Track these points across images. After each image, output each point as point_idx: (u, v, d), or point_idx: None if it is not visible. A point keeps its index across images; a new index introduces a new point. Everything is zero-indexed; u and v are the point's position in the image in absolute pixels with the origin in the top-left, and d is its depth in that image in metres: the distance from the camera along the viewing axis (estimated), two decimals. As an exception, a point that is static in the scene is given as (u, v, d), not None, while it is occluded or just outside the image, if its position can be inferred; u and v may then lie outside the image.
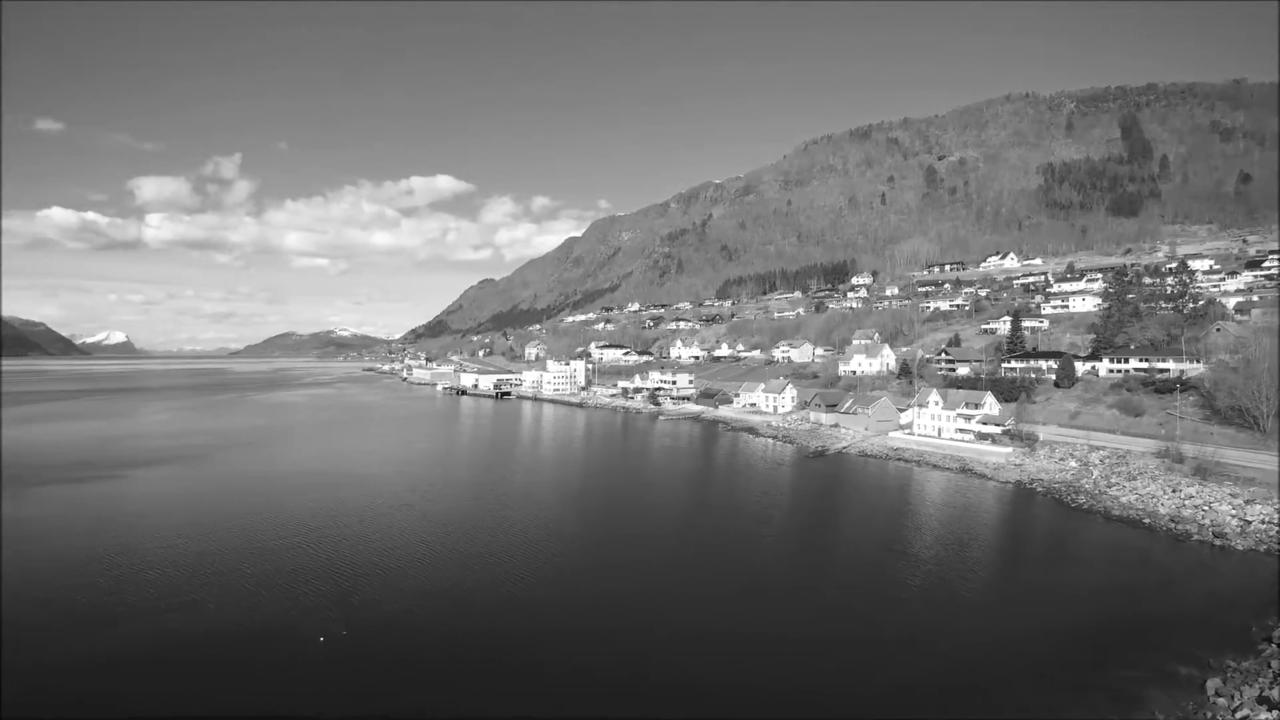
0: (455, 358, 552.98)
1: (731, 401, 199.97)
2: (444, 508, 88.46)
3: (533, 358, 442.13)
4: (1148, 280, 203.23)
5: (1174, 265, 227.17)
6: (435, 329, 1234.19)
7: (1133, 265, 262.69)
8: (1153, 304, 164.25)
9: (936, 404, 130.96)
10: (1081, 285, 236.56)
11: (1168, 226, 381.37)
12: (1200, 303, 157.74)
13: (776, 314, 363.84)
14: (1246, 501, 78.01)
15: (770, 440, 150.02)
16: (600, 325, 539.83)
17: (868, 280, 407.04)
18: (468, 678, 43.37)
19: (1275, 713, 36.14)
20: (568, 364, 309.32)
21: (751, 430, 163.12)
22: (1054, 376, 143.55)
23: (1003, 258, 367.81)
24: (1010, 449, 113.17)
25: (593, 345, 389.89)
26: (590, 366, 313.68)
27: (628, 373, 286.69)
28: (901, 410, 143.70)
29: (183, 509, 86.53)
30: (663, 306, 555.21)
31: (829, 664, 45.48)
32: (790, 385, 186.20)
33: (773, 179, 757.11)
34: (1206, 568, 64.42)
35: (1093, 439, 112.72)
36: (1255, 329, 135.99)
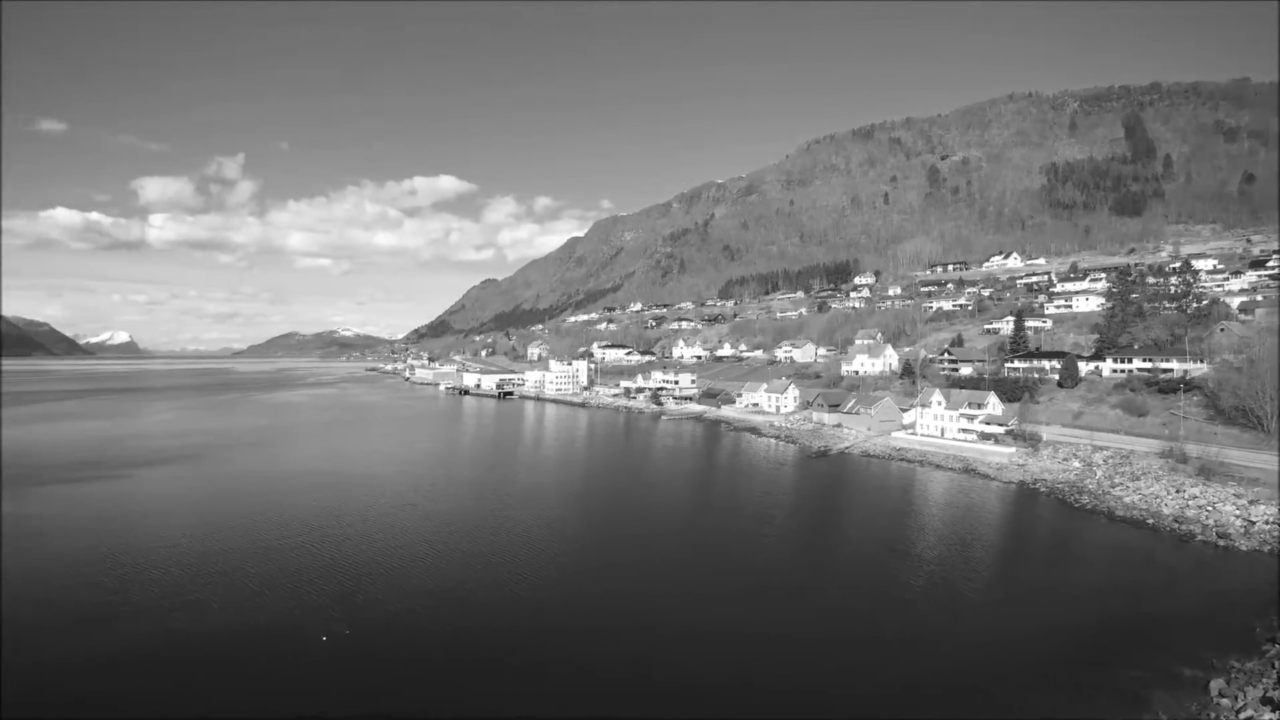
0: (458, 358, 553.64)
1: (734, 401, 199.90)
2: (447, 507, 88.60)
3: (535, 358, 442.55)
4: (1151, 280, 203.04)
5: (1177, 265, 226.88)
6: (438, 329, 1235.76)
7: (1136, 265, 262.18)
8: (1156, 304, 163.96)
9: (939, 404, 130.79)
10: (1085, 285, 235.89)
11: (1171, 226, 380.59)
12: (1204, 303, 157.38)
13: (779, 314, 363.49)
14: (1250, 502, 77.84)
15: (773, 440, 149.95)
16: (603, 325, 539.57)
17: (870, 280, 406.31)
18: (471, 677, 43.44)
19: (1279, 714, 36.06)
20: (570, 364, 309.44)
21: (754, 430, 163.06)
22: (1057, 376, 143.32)
23: (1006, 257, 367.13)
24: (1013, 449, 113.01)
25: (595, 345, 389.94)
26: (593, 366, 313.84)
27: (630, 373, 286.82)
28: (904, 410, 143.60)
29: (186, 508, 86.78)
30: (665, 306, 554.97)
31: (832, 664, 45.47)
32: (793, 385, 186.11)
33: (775, 179, 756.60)
34: (1210, 568, 64.28)
35: (1096, 439, 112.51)
36: (1259, 329, 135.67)
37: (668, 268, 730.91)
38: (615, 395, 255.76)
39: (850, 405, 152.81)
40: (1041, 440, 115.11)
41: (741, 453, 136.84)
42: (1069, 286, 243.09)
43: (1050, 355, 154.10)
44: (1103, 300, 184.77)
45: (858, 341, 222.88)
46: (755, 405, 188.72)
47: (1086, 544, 73.95)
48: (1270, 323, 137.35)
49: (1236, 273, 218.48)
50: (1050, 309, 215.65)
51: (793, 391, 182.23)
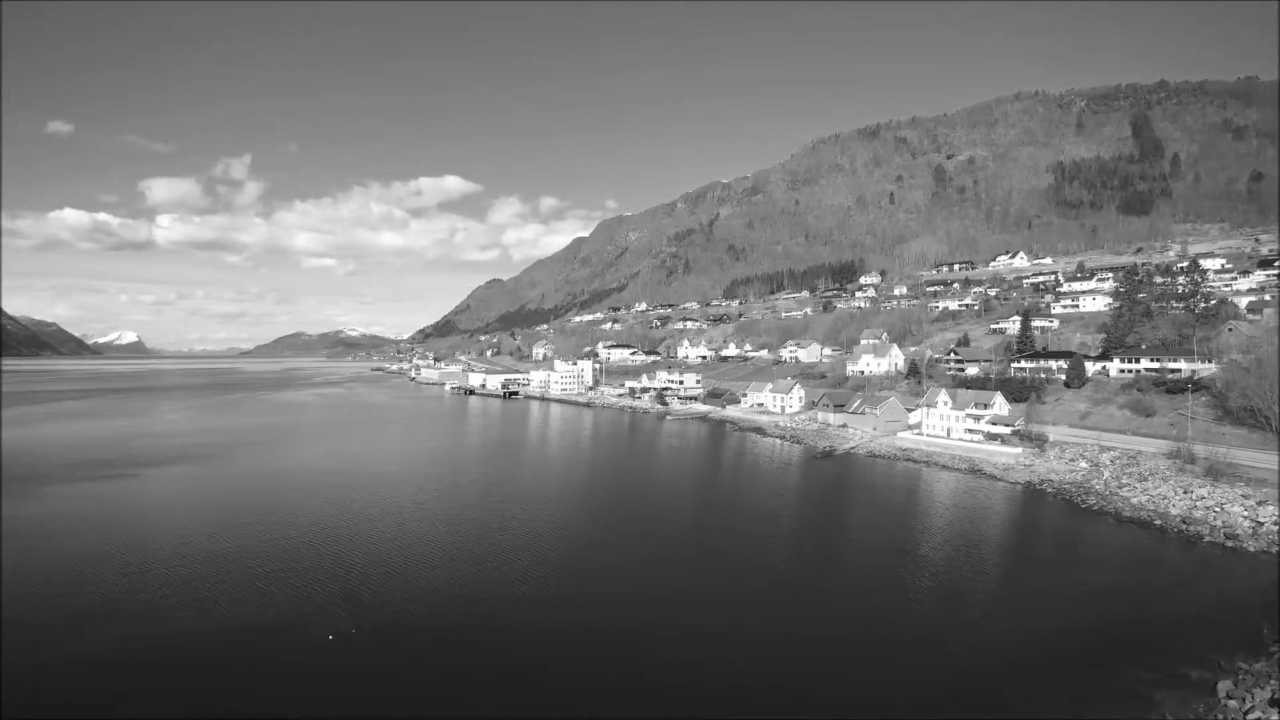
0: (463, 357, 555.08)
1: (739, 401, 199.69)
2: (452, 507, 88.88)
3: (540, 357, 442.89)
4: (1159, 279, 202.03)
5: (1185, 264, 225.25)
6: (443, 329, 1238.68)
7: (1144, 264, 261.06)
8: (1164, 303, 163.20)
9: (945, 404, 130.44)
10: (1092, 285, 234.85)
11: (1179, 225, 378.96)
12: (1212, 302, 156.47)
13: (784, 314, 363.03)
14: (1259, 503, 77.37)
15: (778, 440, 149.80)
16: (607, 325, 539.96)
17: (876, 280, 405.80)
18: (475, 677, 43.63)
19: (1288, 715, 35.92)
20: (575, 364, 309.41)
21: (759, 430, 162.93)
22: (1064, 376, 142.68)
23: (1012, 257, 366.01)
24: (1020, 449, 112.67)
25: (600, 345, 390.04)
26: (597, 366, 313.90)
27: (635, 372, 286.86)
28: (910, 410, 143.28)
29: (194, 507, 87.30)
30: (670, 306, 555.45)
31: (838, 665, 45.49)
32: (798, 385, 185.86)
33: (780, 178, 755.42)
34: (1218, 569, 63.99)
35: (1103, 439, 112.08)
36: (1268, 328, 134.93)
37: (673, 267, 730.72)
38: (620, 395, 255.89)
39: (856, 405, 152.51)
40: (1048, 441, 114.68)
41: (746, 453, 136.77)
42: (1076, 286, 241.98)
43: (1057, 355, 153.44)
44: (1110, 300, 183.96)
45: (863, 341, 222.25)
46: (760, 405, 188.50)
47: (1093, 545, 73.69)
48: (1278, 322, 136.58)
49: (1245, 272, 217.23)
50: (1057, 309, 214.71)
51: (798, 391, 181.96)
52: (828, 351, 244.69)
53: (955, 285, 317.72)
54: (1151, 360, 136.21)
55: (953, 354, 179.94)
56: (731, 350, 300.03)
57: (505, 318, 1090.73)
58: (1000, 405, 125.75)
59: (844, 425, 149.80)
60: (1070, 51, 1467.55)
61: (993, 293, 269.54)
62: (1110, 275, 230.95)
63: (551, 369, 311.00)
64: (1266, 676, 41.07)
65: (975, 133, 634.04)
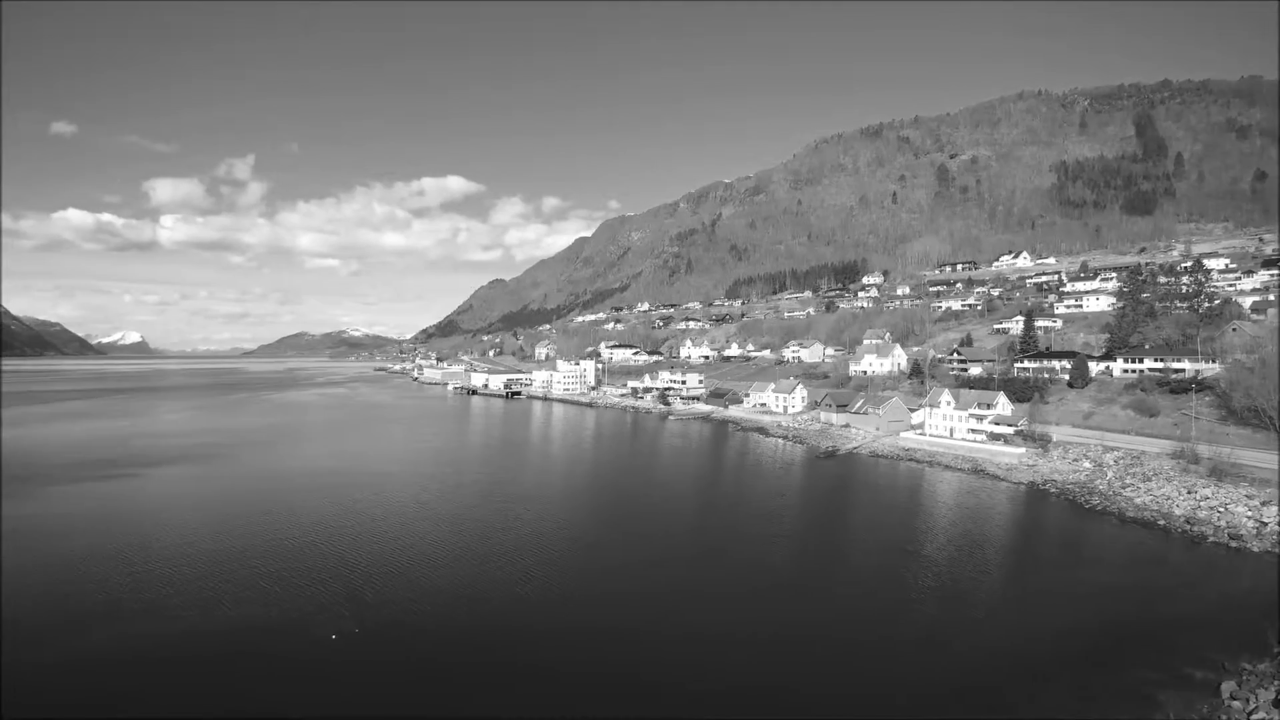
0: (466, 357, 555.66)
1: (741, 401, 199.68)
2: (455, 506, 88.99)
3: (543, 357, 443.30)
4: (1162, 279, 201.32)
5: (1189, 264, 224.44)
6: (446, 329, 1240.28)
7: (1147, 264, 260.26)
8: (1168, 303, 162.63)
9: (948, 404, 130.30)
10: (1095, 284, 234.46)
11: (1183, 225, 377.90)
12: (1216, 302, 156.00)
13: (787, 314, 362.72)
14: (1263, 503, 77.15)
15: (781, 440, 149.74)
16: (610, 325, 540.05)
17: (878, 280, 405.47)
18: (479, 676, 43.71)
19: (1292, 716, 35.84)
20: (577, 364, 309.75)
21: (762, 430, 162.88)
22: (1068, 377, 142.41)
23: (1015, 257, 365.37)
24: (1023, 450, 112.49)
25: (602, 345, 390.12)
26: (600, 366, 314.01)
27: (637, 372, 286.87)
28: (913, 410, 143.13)
29: (197, 507, 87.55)
30: (672, 306, 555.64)
31: (842, 665, 45.50)
32: (800, 385, 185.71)
33: (783, 178, 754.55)
34: (1222, 570, 63.87)
35: (1107, 440, 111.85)
36: (1272, 328, 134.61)
37: (675, 268, 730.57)
38: (622, 395, 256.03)
39: (858, 405, 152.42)
40: (1051, 441, 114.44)
41: (749, 453, 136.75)
42: (1079, 286, 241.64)
43: (1060, 355, 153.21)
44: (1113, 300, 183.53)
45: (866, 341, 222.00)
46: (763, 405, 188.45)
47: (1097, 545, 73.57)
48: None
49: (1249, 272, 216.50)
50: (1060, 309, 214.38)
51: (800, 391, 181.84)
52: (830, 352, 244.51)
53: (958, 285, 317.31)
54: (1155, 360, 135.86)
55: (956, 354, 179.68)
56: (734, 350, 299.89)
57: (508, 318, 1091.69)
58: (1003, 405, 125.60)
59: (847, 425, 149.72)
60: (1072, 51, 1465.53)
61: (996, 293, 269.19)
62: (1114, 275, 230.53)
63: (554, 369, 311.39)
64: (1270, 677, 40.97)
65: (978, 132, 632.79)
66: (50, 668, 43.95)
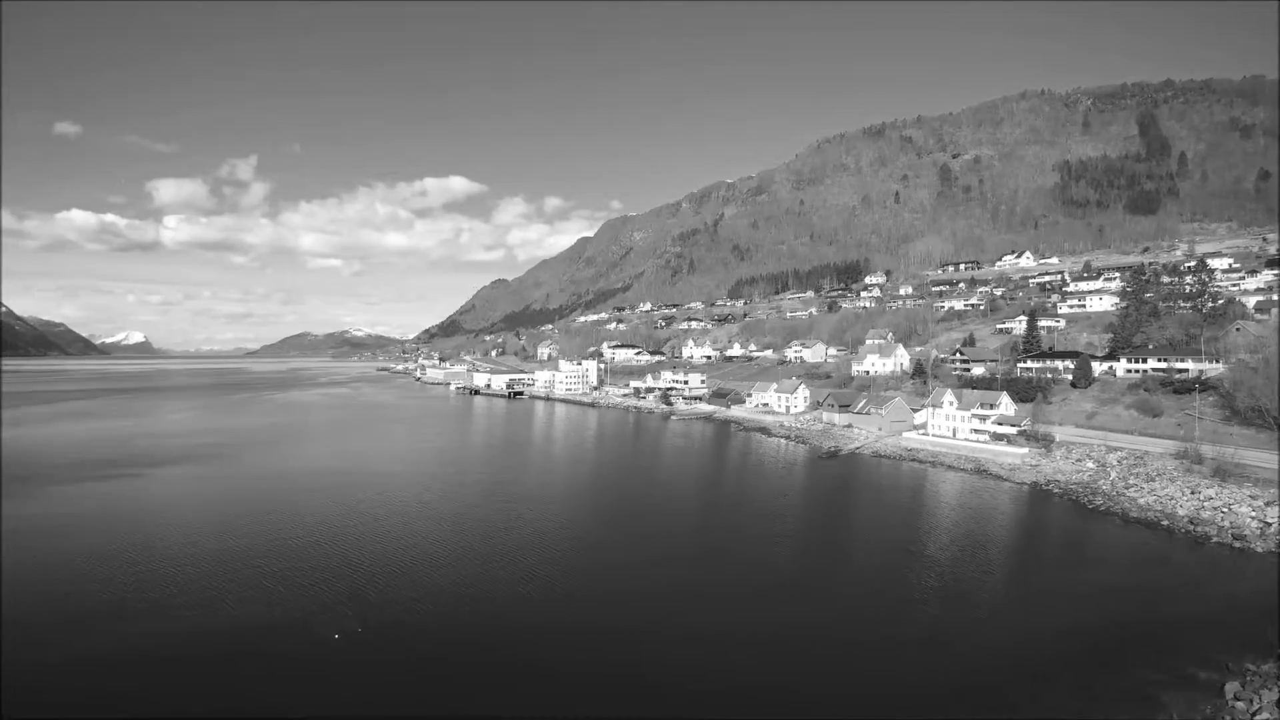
0: (468, 357, 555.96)
1: (744, 401, 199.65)
2: (458, 506, 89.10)
3: (545, 357, 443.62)
4: (1166, 279, 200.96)
5: (1192, 264, 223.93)
6: (448, 329, 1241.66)
7: (1151, 264, 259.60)
8: (1171, 303, 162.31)
9: (951, 404, 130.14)
10: (1099, 284, 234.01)
11: (1186, 225, 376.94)
12: (1219, 302, 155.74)
13: (789, 314, 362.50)
14: (1267, 503, 76.96)
15: (783, 440, 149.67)
16: (612, 325, 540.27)
17: (881, 280, 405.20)
18: (482, 675, 43.75)
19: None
20: (580, 364, 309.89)
21: (764, 430, 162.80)
22: (1071, 377, 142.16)
23: (1018, 257, 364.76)
24: (1026, 450, 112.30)
25: (605, 345, 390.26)
26: (602, 366, 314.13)
27: (640, 372, 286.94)
28: (916, 410, 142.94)
29: (200, 507, 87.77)
30: (675, 306, 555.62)
31: (844, 665, 45.48)
32: (803, 385, 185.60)
33: (785, 178, 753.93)
34: (1226, 570, 63.71)
35: (1110, 440, 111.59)
36: (1275, 328, 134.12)
37: (677, 268, 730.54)
38: (625, 395, 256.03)
39: (861, 405, 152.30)
40: (1054, 441, 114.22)
41: (752, 453, 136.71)
42: (1082, 286, 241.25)
43: (1063, 355, 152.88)
44: (1116, 300, 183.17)
45: (868, 341, 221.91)
46: (765, 405, 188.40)
47: (1100, 545, 73.44)
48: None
49: (1252, 271, 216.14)
50: (1063, 308, 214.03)
51: (803, 391, 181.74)
52: (833, 351, 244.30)
53: (961, 285, 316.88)
54: (1158, 360, 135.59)
55: (958, 354, 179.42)
56: (736, 350, 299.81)
57: (510, 318, 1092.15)
58: (1006, 405, 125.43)
59: (849, 425, 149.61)
60: (1074, 51, 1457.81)
61: (998, 292, 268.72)
62: (1117, 275, 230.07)
63: (556, 369, 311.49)
64: (1274, 678, 40.91)
65: (981, 132, 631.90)
66: (51, 667, 43.99)
